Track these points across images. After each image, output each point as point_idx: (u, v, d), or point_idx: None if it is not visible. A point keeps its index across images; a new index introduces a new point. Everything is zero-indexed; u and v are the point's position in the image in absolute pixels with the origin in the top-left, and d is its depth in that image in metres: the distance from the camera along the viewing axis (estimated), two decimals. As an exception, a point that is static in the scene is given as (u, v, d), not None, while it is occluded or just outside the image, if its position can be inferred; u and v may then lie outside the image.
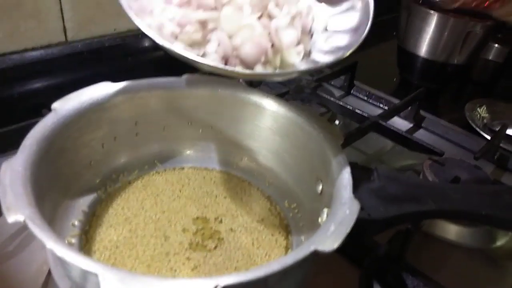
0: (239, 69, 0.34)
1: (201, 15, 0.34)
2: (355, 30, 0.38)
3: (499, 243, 0.51)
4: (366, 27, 0.37)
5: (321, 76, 0.75)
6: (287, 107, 0.46)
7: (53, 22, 0.63)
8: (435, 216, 0.46)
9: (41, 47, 0.63)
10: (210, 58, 0.34)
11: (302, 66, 0.37)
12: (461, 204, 0.39)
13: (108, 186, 0.45)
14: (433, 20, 0.83)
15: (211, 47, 0.34)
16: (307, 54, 0.39)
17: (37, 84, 0.64)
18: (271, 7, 0.36)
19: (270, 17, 0.37)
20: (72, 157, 0.41)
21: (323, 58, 0.37)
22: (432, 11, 0.83)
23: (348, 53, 0.35)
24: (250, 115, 0.48)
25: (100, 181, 0.45)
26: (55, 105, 0.39)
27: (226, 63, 0.35)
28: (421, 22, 0.85)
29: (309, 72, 0.36)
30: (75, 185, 0.41)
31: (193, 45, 0.34)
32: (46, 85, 0.64)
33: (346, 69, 0.79)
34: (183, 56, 0.32)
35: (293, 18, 0.37)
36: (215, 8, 0.35)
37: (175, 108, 0.48)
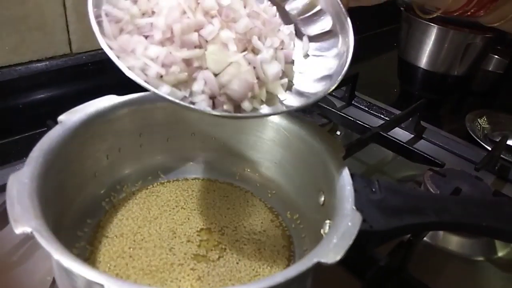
0: (228, 113, 0.34)
1: (186, 54, 0.33)
2: (338, 56, 0.39)
3: (500, 253, 0.51)
4: (348, 55, 0.37)
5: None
6: (289, 119, 0.47)
7: (58, 34, 0.64)
8: (436, 228, 0.46)
9: (46, 59, 0.64)
10: (197, 99, 0.34)
11: (292, 101, 0.37)
12: (462, 216, 0.39)
13: (112, 197, 0.46)
14: (433, 32, 0.84)
15: (197, 86, 0.34)
16: (291, 85, 0.39)
17: (42, 95, 0.64)
18: (255, 41, 0.36)
19: (254, 50, 0.37)
20: (77, 169, 0.41)
21: (310, 87, 0.38)
22: (432, 24, 0.84)
23: (336, 84, 0.36)
24: (252, 127, 0.49)
25: (105, 192, 0.45)
26: (62, 117, 0.40)
27: (213, 101, 0.35)
28: (421, 34, 0.86)
29: (299, 109, 0.37)
30: (80, 196, 0.42)
31: (179, 84, 0.34)
32: (50, 96, 0.65)
33: (347, 80, 0.80)
34: (171, 99, 0.32)
35: (276, 50, 0.38)
36: (199, 45, 0.34)
37: (178, 120, 0.49)
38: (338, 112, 0.69)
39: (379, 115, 0.78)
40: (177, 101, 0.32)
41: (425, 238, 0.51)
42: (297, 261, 0.42)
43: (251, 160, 0.50)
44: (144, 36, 0.34)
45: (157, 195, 0.47)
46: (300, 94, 0.38)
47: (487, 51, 0.89)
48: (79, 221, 0.42)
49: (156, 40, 0.33)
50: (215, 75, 0.34)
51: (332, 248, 0.30)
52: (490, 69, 0.94)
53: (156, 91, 0.32)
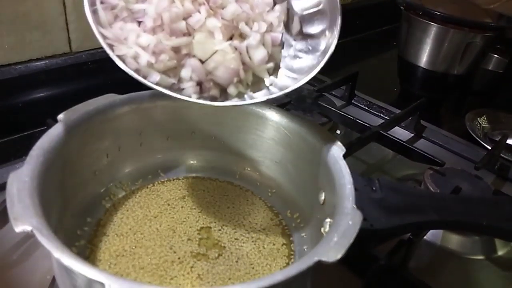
0: (212, 102, 0.37)
1: (175, 42, 0.35)
2: (326, 36, 0.39)
3: (501, 252, 0.52)
4: (335, 32, 0.38)
5: (322, 86, 0.76)
6: (290, 117, 0.47)
7: (58, 33, 0.64)
8: (437, 227, 0.46)
9: (46, 58, 0.64)
10: (185, 85, 0.36)
11: (282, 82, 0.38)
12: (463, 214, 0.39)
13: (112, 196, 0.46)
14: (433, 31, 0.84)
15: (185, 73, 0.36)
16: (277, 68, 0.40)
17: (41, 94, 0.64)
18: (242, 26, 0.37)
19: (241, 36, 0.38)
20: (77, 167, 0.41)
21: (296, 63, 0.40)
22: (432, 23, 0.84)
23: (326, 58, 0.37)
24: (253, 126, 0.49)
25: (105, 191, 0.45)
26: (61, 116, 0.40)
27: (200, 86, 0.37)
28: (421, 33, 0.86)
29: (280, 97, 0.38)
30: (80, 194, 0.42)
31: (168, 71, 0.36)
32: (50, 95, 0.65)
33: (347, 79, 0.80)
34: (158, 90, 0.34)
35: (263, 34, 0.38)
36: (187, 33, 0.36)
37: (178, 118, 0.49)
38: (338, 111, 0.69)
39: (379, 114, 0.78)
40: (164, 90, 0.34)
41: (425, 237, 0.50)
42: (297, 260, 0.42)
43: (251, 159, 0.50)
44: (138, 21, 0.36)
45: (157, 194, 0.47)
46: (289, 75, 0.40)
47: (487, 50, 0.89)
48: (79, 219, 0.42)
49: (148, 28, 0.35)
50: (202, 62, 0.36)
51: (332, 246, 0.30)
52: (489, 68, 0.94)
53: (144, 81, 0.34)
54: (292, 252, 0.43)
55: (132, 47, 0.34)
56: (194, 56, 0.36)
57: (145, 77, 0.35)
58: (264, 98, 0.38)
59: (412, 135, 0.74)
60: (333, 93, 0.82)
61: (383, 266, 0.43)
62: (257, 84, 0.39)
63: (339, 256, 0.30)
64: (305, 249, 0.43)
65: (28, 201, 0.31)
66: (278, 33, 0.40)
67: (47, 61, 0.63)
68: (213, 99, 0.37)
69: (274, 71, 0.40)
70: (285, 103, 0.67)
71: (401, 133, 0.73)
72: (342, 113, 0.68)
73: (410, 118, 0.73)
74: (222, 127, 0.50)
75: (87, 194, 0.43)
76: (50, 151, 0.36)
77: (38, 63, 0.63)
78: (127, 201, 0.46)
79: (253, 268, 0.40)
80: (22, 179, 0.32)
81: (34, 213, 0.30)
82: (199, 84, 0.37)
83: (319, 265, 0.30)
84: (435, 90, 0.93)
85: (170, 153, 0.50)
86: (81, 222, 0.42)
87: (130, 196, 0.46)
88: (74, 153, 0.40)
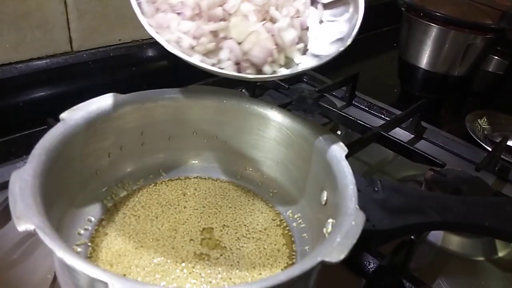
0: (250, 75, 0.40)
1: (213, 26, 0.38)
2: (349, 20, 0.43)
3: (501, 254, 0.52)
4: (358, 17, 0.41)
5: (322, 87, 0.76)
6: (292, 118, 0.47)
7: (59, 32, 0.63)
8: (439, 228, 0.46)
9: (47, 57, 0.64)
10: (224, 65, 0.39)
11: (307, 63, 0.41)
12: (465, 216, 0.39)
13: (114, 195, 0.45)
14: (434, 32, 0.84)
15: (224, 54, 0.39)
16: (306, 49, 0.43)
17: (42, 93, 0.64)
18: (272, 11, 0.41)
19: (272, 20, 0.41)
20: (79, 167, 0.41)
21: (324, 50, 0.42)
22: (432, 24, 0.84)
23: (347, 44, 0.40)
24: (254, 126, 0.49)
25: (106, 190, 0.45)
26: (63, 115, 0.40)
27: (238, 66, 0.40)
28: (421, 34, 0.86)
29: (314, 68, 0.41)
30: (81, 194, 0.42)
31: (208, 53, 0.39)
32: (51, 94, 0.65)
33: (347, 80, 0.80)
34: (203, 65, 0.37)
35: (292, 18, 0.42)
36: (223, 19, 0.39)
37: (180, 118, 0.49)
38: (339, 112, 0.69)
39: (379, 115, 0.78)
40: (208, 67, 0.37)
41: (426, 238, 0.50)
42: (299, 260, 0.42)
43: (252, 159, 0.50)
44: (176, 13, 0.39)
45: (158, 193, 0.47)
46: (315, 56, 0.43)
47: (487, 52, 0.89)
48: (81, 219, 0.42)
49: (187, 16, 0.39)
50: (239, 44, 0.39)
51: (336, 247, 0.30)
52: (490, 69, 0.94)
53: (190, 59, 0.37)
54: (293, 253, 0.43)
55: (174, 32, 0.38)
56: (231, 38, 0.39)
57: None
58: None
59: (413, 136, 0.74)
60: (334, 93, 0.82)
61: (384, 267, 0.43)
62: (289, 64, 0.42)
63: (342, 256, 0.30)
64: (307, 250, 0.43)
65: (30, 200, 0.31)
66: (305, 18, 0.43)
67: (48, 60, 0.63)
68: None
69: (304, 52, 0.43)
70: (286, 104, 0.67)
71: (401, 134, 0.73)
72: (343, 114, 0.68)
73: (410, 119, 0.73)
74: (224, 127, 0.50)
75: (89, 194, 0.43)
76: (52, 150, 0.36)
77: (39, 62, 0.63)
78: (128, 200, 0.45)
79: (254, 268, 0.40)
80: (24, 178, 0.32)
81: (37, 212, 0.30)
82: (237, 64, 0.40)
83: (321, 265, 0.30)
84: (435, 91, 0.93)
85: (171, 153, 0.50)
86: (82, 222, 0.42)
87: (132, 195, 0.46)
88: (76, 152, 0.40)
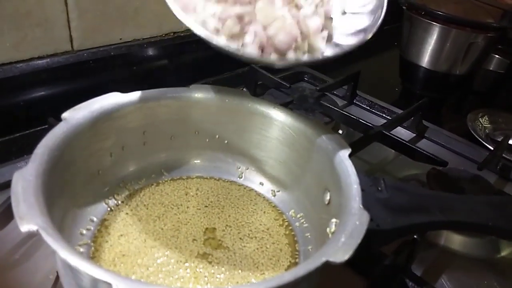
0: (274, 57, 0.39)
1: (238, 9, 0.38)
2: (373, 12, 0.43)
3: (504, 253, 0.51)
4: (382, 10, 0.42)
5: (324, 86, 0.76)
6: (295, 117, 0.46)
7: (59, 31, 0.63)
8: (442, 227, 0.46)
9: (48, 56, 0.63)
10: (249, 49, 0.38)
11: (329, 52, 0.41)
12: (469, 215, 0.39)
13: (116, 195, 0.45)
14: (435, 31, 0.84)
15: (249, 38, 0.38)
16: (331, 38, 0.43)
17: (43, 93, 0.64)
18: None
19: (297, 6, 0.41)
20: (81, 166, 0.41)
21: (346, 40, 0.42)
22: (434, 23, 0.84)
23: (370, 36, 0.41)
24: (257, 125, 0.49)
25: (108, 190, 0.45)
26: (65, 114, 0.39)
27: (262, 51, 0.39)
28: (423, 33, 0.86)
29: (335, 57, 0.41)
30: (83, 194, 0.42)
31: (233, 36, 0.38)
32: (52, 93, 0.64)
33: (348, 78, 0.80)
34: (227, 48, 0.37)
35: (316, 6, 0.41)
36: (249, 3, 0.39)
37: (182, 118, 0.48)
38: (340, 111, 0.68)
39: (381, 114, 0.78)
40: (232, 48, 0.37)
41: (428, 238, 0.50)
42: (302, 260, 0.42)
43: (255, 159, 0.50)
44: None
45: (161, 193, 0.47)
46: (336, 46, 0.42)
47: (489, 51, 0.89)
48: (83, 219, 0.41)
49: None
50: (264, 29, 0.39)
51: (340, 247, 0.30)
52: (491, 68, 0.94)
53: (216, 41, 0.37)
54: (296, 252, 0.43)
55: (200, 14, 0.38)
56: (256, 22, 0.39)
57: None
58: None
59: (414, 135, 0.74)
60: (335, 92, 0.82)
61: (387, 267, 0.43)
62: (312, 52, 0.41)
63: (347, 256, 0.30)
64: (310, 249, 0.42)
65: (33, 200, 0.30)
66: (330, 7, 0.43)
67: (48, 60, 0.63)
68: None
69: (327, 41, 0.43)
70: (287, 103, 0.67)
71: (403, 133, 0.73)
72: (345, 113, 0.68)
73: (412, 118, 0.73)
74: (226, 126, 0.50)
75: (91, 194, 0.43)
76: (55, 149, 0.36)
77: (39, 61, 0.62)
78: (131, 200, 0.45)
79: (257, 268, 0.40)
80: (26, 178, 0.32)
81: (39, 212, 0.30)
82: (261, 49, 0.39)
83: (325, 265, 0.29)
84: (437, 90, 0.93)
85: (173, 152, 0.50)
86: (85, 222, 0.41)
87: (134, 195, 0.46)
88: (78, 152, 0.40)
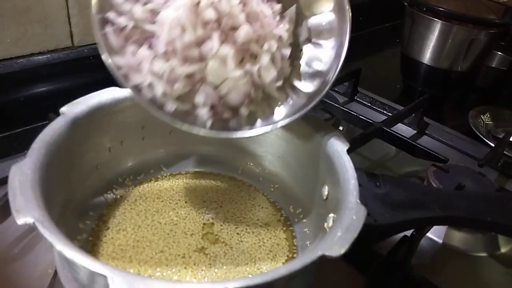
0: (227, 115, 0.38)
1: (188, 69, 0.35)
2: (334, 48, 0.40)
3: (504, 249, 0.51)
4: (343, 52, 0.39)
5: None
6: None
7: (60, 27, 0.63)
8: (441, 223, 0.46)
9: (48, 52, 0.63)
10: (200, 112, 0.37)
11: (284, 118, 0.40)
12: (468, 211, 0.39)
13: (114, 190, 0.45)
14: (437, 27, 0.84)
15: (199, 99, 0.37)
16: (287, 80, 0.41)
17: (43, 89, 0.64)
18: (253, 46, 0.37)
19: (252, 55, 0.38)
20: (79, 161, 0.41)
21: (304, 86, 0.41)
22: (435, 19, 0.83)
23: (327, 88, 0.39)
24: (256, 120, 0.48)
25: (107, 185, 0.45)
26: (64, 109, 0.39)
27: (213, 110, 0.38)
28: (424, 29, 0.86)
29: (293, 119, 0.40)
30: (82, 188, 0.42)
31: (182, 98, 0.36)
32: (52, 89, 0.65)
33: (349, 75, 0.80)
34: (173, 124, 0.36)
35: (273, 55, 0.39)
36: (199, 60, 0.36)
37: (181, 112, 0.48)
38: (341, 107, 0.68)
39: (381, 110, 0.78)
40: (182, 124, 0.36)
41: (428, 234, 0.50)
42: (300, 255, 0.42)
43: (254, 154, 0.50)
44: (148, 46, 0.36)
45: (159, 188, 0.47)
46: (295, 91, 0.41)
47: (491, 47, 0.88)
48: (81, 213, 0.42)
49: (160, 53, 0.35)
50: (215, 87, 0.37)
51: (336, 241, 0.30)
52: (493, 65, 0.94)
53: (161, 116, 0.36)
54: (294, 247, 0.43)
55: (147, 76, 0.35)
56: (206, 81, 0.37)
57: (161, 107, 0.36)
58: (269, 129, 0.39)
59: (415, 131, 0.73)
60: (336, 89, 0.82)
61: (385, 262, 0.43)
62: (267, 100, 0.40)
63: (343, 250, 0.30)
64: (308, 244, 0.42)
65: (30, 194, 0.30)
66: (288, 49, 0.40)
67: (49, 55, 0.63)
68: (226, 120, 0.39)
69: (284, 84, 0.41)
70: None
71: (404, 129, 0.73)
72: (345, 109, 0.68)
73: (413, 114, 0.73)
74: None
75: (89, 188, 0.43)
76: (52, 144, 0.36)
77: (40, 57, 0.62)
78: (129, 195, 0.45)
79: (254, 262, 0.40)
80: (24, 171, 0.32)
81: (36, 206, 0.30)
82: (212, 107, 0.37)
83: (323, 260, 0.29)
84: (438, 87, 0.92)
85: (172, 147, 0.50)
86: (83, 216, 0.42)
87: (132, 190, 0.46)
88: (76, 146, 0.40)
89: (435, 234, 0.51)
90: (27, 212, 0.29)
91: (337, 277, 0.44)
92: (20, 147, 0.57)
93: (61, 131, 0.38)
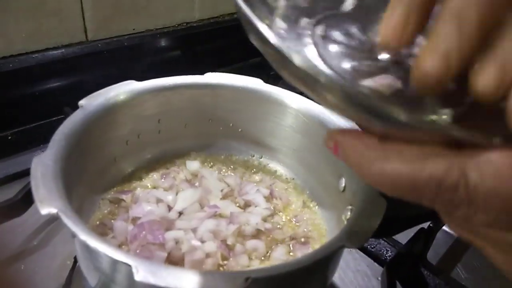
0: None
1: None
2: None
3: (521, 243, 0.51)
4: None
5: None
6: (308, 104, 0.46)
7: (74, 22, 0.64)
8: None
9: (62, 46, 0.64)
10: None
11: None
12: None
13: (132, 182, 0.46)
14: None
15: None
16: None
17: (58, 83, 0.65)
18: None
19: None
20: (98, 153, 0.41)
21: None
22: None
23: None
24: (271, 113, 0.48)
25: (124, 177, 0.45)
26: (82, 102, 0.40)
27: None
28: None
29: None
30: (100, 180, 0.42)
31: None
32: (66, 84, 0.65)
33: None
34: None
35: None
36: None
37: (196, 106, 0.48)
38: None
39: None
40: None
41: (444, 226, 0.50)
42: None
43: (268, 147, 0.50)
44: None
45: (174, 181, 0.47)
46: None
47: None
48: (99, 206, 0.42)
49: None
50: None
51: (357, 232, 0.30)
52: None
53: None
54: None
55: None
56: None
57: None
58: None
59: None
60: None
61: (402, 254, 0.43)
62: None
63: (363, 241, 0.30)
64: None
65: (52, 185, 0.31)
66: None
67: (63, 50, 0.64)
68: None
69: None
70: (301, 90, 0.66)
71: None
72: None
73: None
74: (240, 114, 0.50)
75: (107, 180, 0.43)
76: (72, 136, 0.37)
77: (54, 52, 0.63)
78: (145, 188, 0.45)
79: (269, 255, 0.40)
80: (45, 163, 0.32)
81: (59, 196, 0.30)
82: None
83: (342, 251, 0.29)
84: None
85: (188, 140, 0.50)
86: (102, 208, 0.42)
87: (149, 183, 0.46)
88: (95, 139, 0.40)
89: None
90: (50, 202, 0.29)
91: (355, 268, 0.44)
92: (35, 141, 0.58)
93: (81, 123, 0.38)
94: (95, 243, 0.27)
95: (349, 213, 0.38)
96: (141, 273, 0.25)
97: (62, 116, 0.51)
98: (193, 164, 0.48)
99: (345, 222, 0.37)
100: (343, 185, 0.41)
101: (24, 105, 0.62)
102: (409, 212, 0.36)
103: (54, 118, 0.59)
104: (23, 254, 0.42)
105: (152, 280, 0.25)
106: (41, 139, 0.57)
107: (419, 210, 0.37)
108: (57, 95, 0.64)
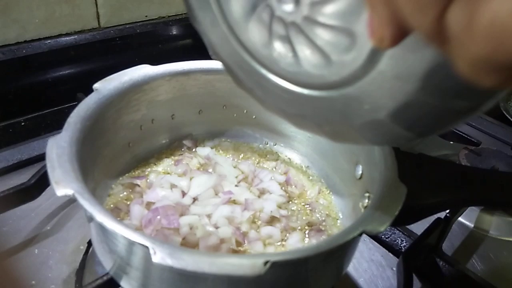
0: None
1: None
2: None
3: (538, 235, 0.50)
4: None
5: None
6: (325, 91, 0.45)
7: (87, 8, 0.63)
8: (478, 203, 0.45)
9: (75, 33, 0.64)
10: None
11: None
12: (507, 192, 0.38)
13: (145, 168, 0.45)
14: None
15: None
16: None
17: (71, 70, 0.64)
18: None
19: None
20: (112, 138, 0.41)
21: None
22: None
23: None
24: (286, 100, 0.48)
25: (138, 162, 0.45)
26: (97, 85, 0.39)
27: None
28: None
29: None
30: (114, 164, 0.42)
31: None
32: (79, 70, 0.65)
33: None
34: None
35: None
36: None
37: (210, 91, 0.48)
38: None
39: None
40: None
41: (459, 218, 0.49)
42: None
43: (283, 134, 0.49)
44: None
45: (187, 166, 0.46)
46: None
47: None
48: (113, 189, 0.42)
49: None
50: None
51: (377, 218, 0.29)
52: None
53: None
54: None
55: None
56: None
57: None
58: None
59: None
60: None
61: (418, 245, 0.42)
62: None
63: (383, 228, 0.29)
64: (338, 223, 0.42)
65: (68, 166, 0.30)
66: None
67: (76, 36, 0.63)
68: None
69: None
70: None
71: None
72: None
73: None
74: (253, 101, 0.49)
75: (121, 165, 0.43)
76: (87, 119, 0.36)
77: (67, 38, 0.63)
78: (159, 174, 0.45)
79: (284, 241, 0.40)
80: (61, 144, 0.32)
81: (75, 178, 0.30)
82: None
83: (357, 240, 0.29)
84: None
85: (201, 126, 0.49)
86: (116, 192, 0.42)
87: (162, 168, 0.46)
88: (109, 122, 0.40)
89: (467, 218, 0.50)
90: (66, 184, 0.29)
91: (369, 258, 0.43)
92: (48, 127, 0.58)
93: (95, 106, 0.38)
94: (112, 224, 0.27)
95: (366, 200, 0.37)
96: (158, 254, 0.25)
97: (75, 103, 0.51)
98: (204, 150, 0.47)
99: (362, 210, 0.36)
100: (360, 172, 0.40)
101: (37, 91, 0.61)
102: (426, 201, 0.35)
103: (66, 105, 0.58)
104: (37, 238, 0.42)
105: (170, 262, 0.24)
106: (54, 125, 0.57)
107: (437, 199, 0.37)
108: (70, 81, 0.64)
